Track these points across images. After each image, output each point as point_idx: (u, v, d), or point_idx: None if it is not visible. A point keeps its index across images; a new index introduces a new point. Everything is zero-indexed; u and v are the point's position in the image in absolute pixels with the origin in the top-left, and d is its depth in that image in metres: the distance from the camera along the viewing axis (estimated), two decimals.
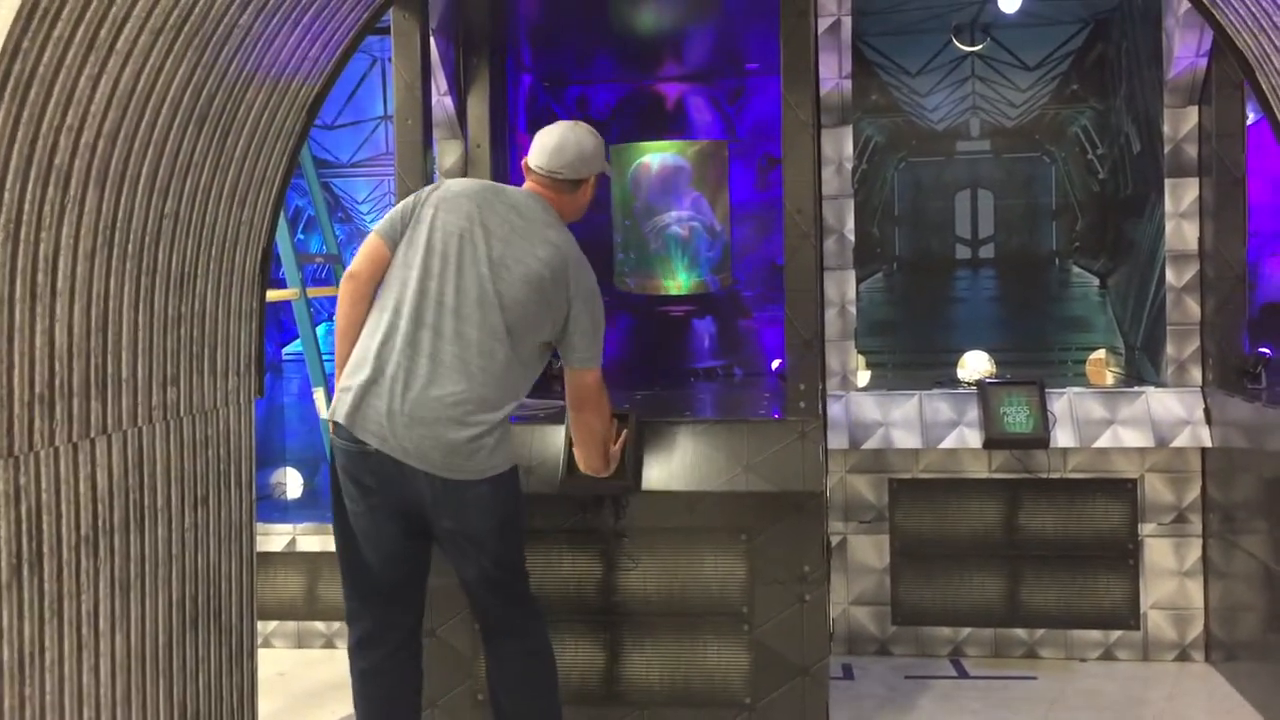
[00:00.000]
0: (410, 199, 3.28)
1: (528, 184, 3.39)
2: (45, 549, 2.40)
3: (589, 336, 3.33)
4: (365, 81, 6.27)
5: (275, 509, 5.86)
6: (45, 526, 2.40)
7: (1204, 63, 4.71)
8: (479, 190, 3.27)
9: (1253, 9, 2.84)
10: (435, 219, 3.18)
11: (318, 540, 5.28)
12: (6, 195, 2.20)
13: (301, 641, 5.33)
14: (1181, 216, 4.88)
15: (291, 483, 6.23)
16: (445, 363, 3.10)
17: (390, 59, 4.43)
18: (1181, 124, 4.86)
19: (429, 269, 3.14)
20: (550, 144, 3.33)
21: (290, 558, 5.31)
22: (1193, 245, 4.87)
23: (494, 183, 3.42)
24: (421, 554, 3.30)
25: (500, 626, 3.33)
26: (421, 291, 3.13)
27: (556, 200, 3.35)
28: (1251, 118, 4.88)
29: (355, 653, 3.28)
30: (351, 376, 3.13)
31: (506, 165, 5.52)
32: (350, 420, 3.09)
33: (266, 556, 5.13)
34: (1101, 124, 5.80)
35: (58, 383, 2.42)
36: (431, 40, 4.60)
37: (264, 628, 5.25)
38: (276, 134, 3.18)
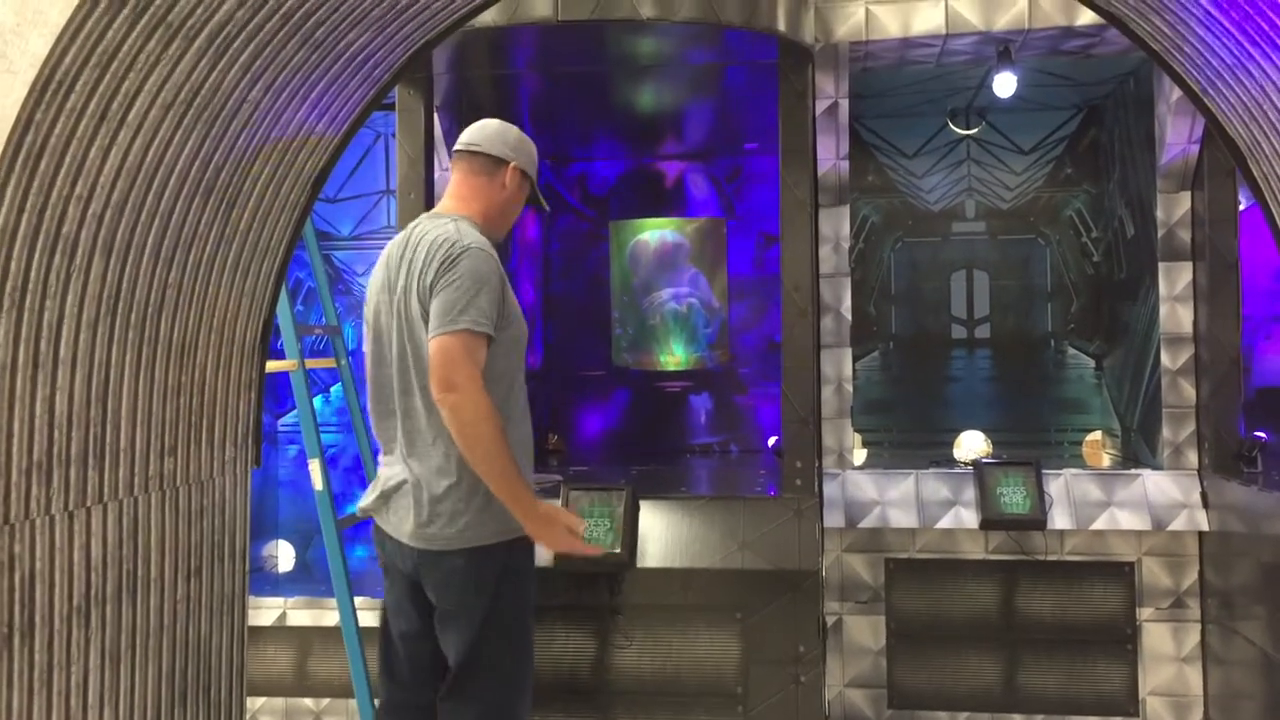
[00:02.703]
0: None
1: (448, 192, 3.26)
2: (37, 618, 2.38)
3: (447, 300, 2.91)
4: (369, 156, 6.34)
5: (266, 582, 5.80)
6: (38, 596, 2.38)
7: (1196, 149, 4.79)
8: (391, 250, 3.20)
9: (1244, 99, 2.89)
10: (370, 302, 3.21)
11: (308, 615, 5.22)
12: (14, 264, 2.21)
13: (289, 718, 5.25)
14: (1176, 300, 4.92)
15: (284, 555, 6.18)
16: (401, 439, 3.09)
17: (394, 134, 4.49)
18: (1174, 209, 4.92)
19: (373, 356, 3.16)
20: (474, 125, 3.29)
21: (280, 632, 5.24)
22: (1187, 329, 4.90)
23: (409, 225, 3.24)
24: (432, 635, 3.17)
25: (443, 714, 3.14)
26: (375, 381, 3.15)
27: (473, 192, 3.21)
28: (1244, 204, 4.95)
29: None
30: None
31: (509, 239, 5.56)
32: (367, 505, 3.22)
33: (256, 630, 5.07)
34: (1095, 208, 5.87)
35: (56, 451, 2.42)
36: (435, 116, 4.67)
37: (252, 704, 5.17)
38: (281, 206, 3.21)
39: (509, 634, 3.07)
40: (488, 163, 3.22)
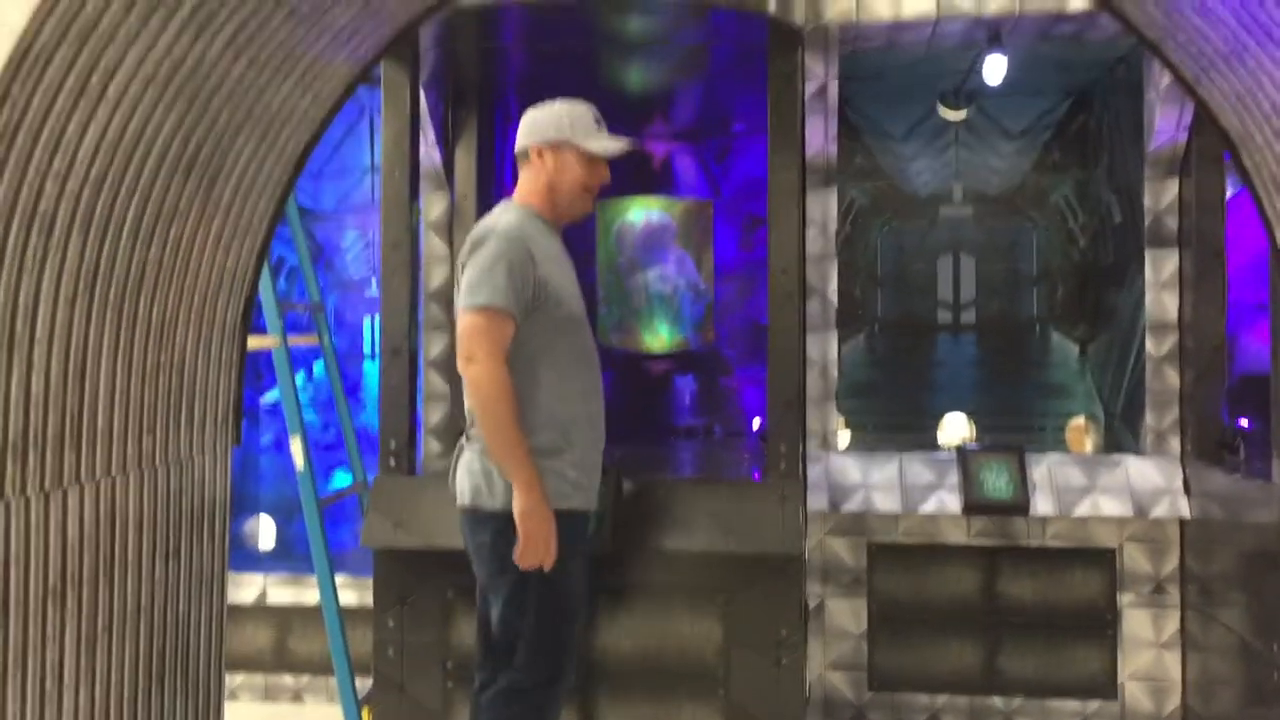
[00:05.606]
0: None
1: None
2: (12, 600, 2.35)
3: (469, 277, 3.06)
4: (353, 131, 6.28)
5: (248, 559, 5.78)
6: (13, 577, 2.35)
7: (1184, 136, 4.77)
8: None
9: (1237, 88, 2.88)
10: None
11: (289, 592, 5.21)
12: None
13: (269, 695, 5.24)
14: (1161, 287, 4.92)
15: (264, 532, 6.15)
16: None
17: (379, 110, 4.44)
18: (1162, 196, 4.91)
19: None
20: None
21: (260, 609, 5.23)
22: (1172, 316, 4.90)
23: None
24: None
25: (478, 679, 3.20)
26: None
27: (523, 183, 3.30)
28: (1231, 191, 4.94)
29: None
30: None
31: None
32: None
33: (236, 607, 5.05)
34: (1083, 193, 5.86)
35: (31, 431, 2.38)
36: (421, 93, 4.61)
37: (231, 680, 5.16)
38: (264, 183, 3.17)
39: (535, 616, 3.07)
40: (522, 158, 3.31)
